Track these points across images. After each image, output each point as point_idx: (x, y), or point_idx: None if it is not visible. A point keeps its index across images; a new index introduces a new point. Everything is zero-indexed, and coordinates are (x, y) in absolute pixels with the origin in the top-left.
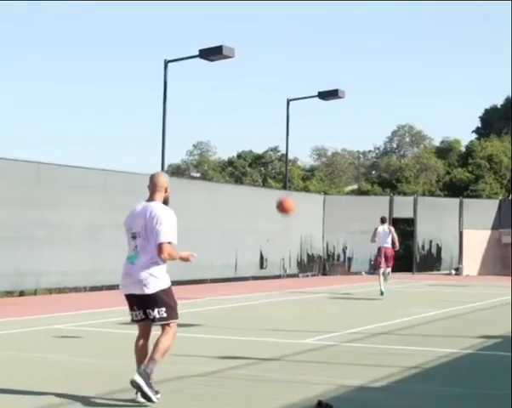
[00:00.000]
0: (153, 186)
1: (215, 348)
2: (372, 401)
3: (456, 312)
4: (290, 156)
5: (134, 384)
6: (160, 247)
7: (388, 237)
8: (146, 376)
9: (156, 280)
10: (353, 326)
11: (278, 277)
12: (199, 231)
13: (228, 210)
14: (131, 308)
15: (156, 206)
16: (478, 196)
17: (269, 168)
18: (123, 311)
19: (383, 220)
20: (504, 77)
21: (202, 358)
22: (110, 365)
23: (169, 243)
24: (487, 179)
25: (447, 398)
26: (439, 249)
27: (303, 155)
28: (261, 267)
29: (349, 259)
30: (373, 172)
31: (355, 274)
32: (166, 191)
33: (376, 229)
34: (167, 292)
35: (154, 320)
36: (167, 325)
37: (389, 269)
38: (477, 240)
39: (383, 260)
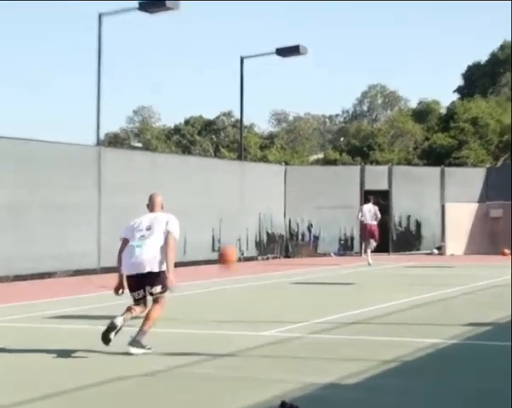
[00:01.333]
0: (153, 204)
1: (162, 343)
2: (344, 400)
3: (439, 297)
4: (245, 122)
5: (132, 354)
6: (170, 234)
7: (373, 215)
8: (140, 344)
9: (160, 262)
10: (321, 315)
11: None
12: (139, 210)
13: (174, 185)
14: (133, 290)
15: (165, 213)
16: (462, 165)
17: (221, 136)
18: (52, 303)
19: (368, 199)
20: (489, 30)
21: (147, 355)
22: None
23: (175, 239)
24: (472, 145)
25: (430, 395)
26: (418, 226)
27: (260, 121)
28: (213, 249)
29: (316, 238)
30: (342, 138)
31: (323, 255)
32: (162, 208)
33: (361, 207)
34: (164, 273)
35: (152, 294)
36: (162, 298)
37: (375, 243)
38: (462, 215)
39: (368, 236)
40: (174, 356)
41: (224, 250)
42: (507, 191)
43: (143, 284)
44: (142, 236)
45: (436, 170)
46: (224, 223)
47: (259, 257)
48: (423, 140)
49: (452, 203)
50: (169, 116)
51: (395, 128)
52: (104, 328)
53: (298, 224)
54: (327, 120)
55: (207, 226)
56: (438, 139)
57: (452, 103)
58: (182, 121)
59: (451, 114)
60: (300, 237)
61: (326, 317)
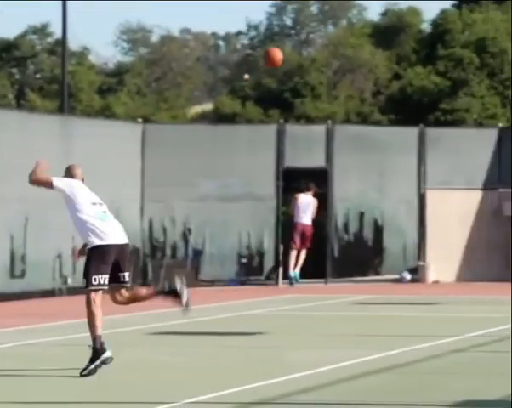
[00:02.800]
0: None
1: None
2: None
3: (407, 357)
4: (73, 46)
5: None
6: None
7: (308, 210)
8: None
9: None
10: (198, 390)
11: (51, 294)
12: None
13: None
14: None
15: None
16: (457, 123)
17: (29, 70)
18: None
19: (307, 188)
20: None
21: None
22: None
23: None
24: (476, 88)
25: None
26: (377, 230)
27: (100, 44)
28: (12, 275)
29: (198, 254)
30: (246, 76)
31: (211, 283)
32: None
33: (296, 198)
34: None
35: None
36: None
37: (298, 269)
38: (455, 211)
39: (298, 240)
40: None
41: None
42: None
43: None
44: (104, 212)
45: (412, 132)
46: (31, 229)
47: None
48: (390, 79)
49: (438, 190)
50: None
51: (341, 58)
52: None
53: (165, 229)
54: (220, 43)
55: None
56: (416, 78)
57: (443, 13)
58: None
59: (439, 32)
60: (169, 252)
61: (210, 394)
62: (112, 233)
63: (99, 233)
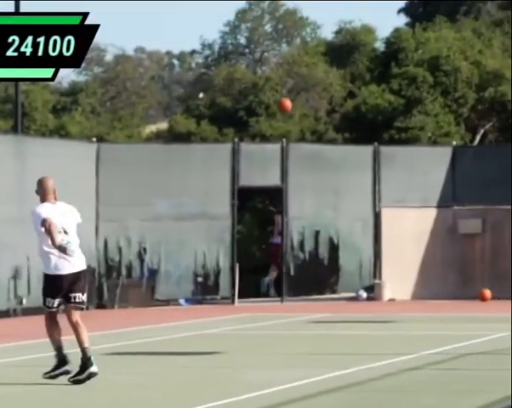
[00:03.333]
0: (49, 190)
1: None
2: None
3: (362, 376)
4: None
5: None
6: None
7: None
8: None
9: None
10: None
11: (6, 315)
12: None
13: None
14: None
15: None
16: (411, 141)
17: None
18: None
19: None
20: None
21: None
22: None
23: None
24: (430, 106)
25: None
26: (333, 249)
27: None
28: None
29: (153, 274)
30: (201, 94)
31: (167, 303)
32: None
33: (276, 219)
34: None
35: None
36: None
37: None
38: (409, 229)
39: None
40: None
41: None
42: (492, 189)
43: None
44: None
45: (366, 151)
46: None
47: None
48: (345, 98)
49: (393, 208)
50: None
51: (296, 76)
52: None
53: (120, 248)
54: (175, 62)
55: None
56: (370, 96)
57: (396, 31)
58: None
59: (393, 51)
60: (125, 271)
61: None
62: (68, 264)
63: (57, 264)
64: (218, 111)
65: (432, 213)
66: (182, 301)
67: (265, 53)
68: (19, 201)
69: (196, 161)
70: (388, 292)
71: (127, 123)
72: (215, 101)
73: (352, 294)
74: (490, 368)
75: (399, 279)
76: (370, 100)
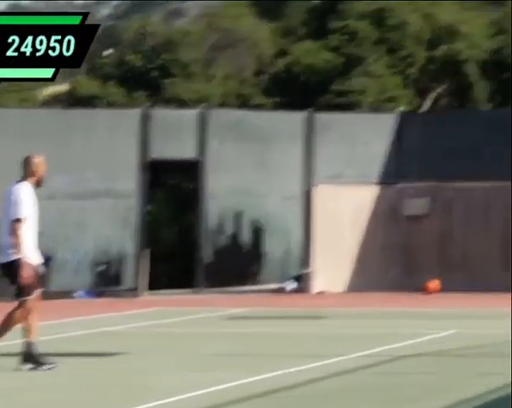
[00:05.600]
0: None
1: None
2: None
3: (283, 381)
4: None
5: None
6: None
7: None
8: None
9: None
10: None
11: None
12: None
13: None
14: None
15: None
16: (350, 106)
17: None
18: None
19: None
20: None
21: None
22: None
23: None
24: (372, 66)
25: None
26: (258, 232)
27: None
28: None
29: (47, 261)
30: (107, 51)
31: (64, 295)
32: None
33: None
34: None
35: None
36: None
37: None
38: (346, 209)
39: None
40: None
41: None
42: (443, 163)
43: None
44: None
45: (298, 118)
46: None
47: None
48: (275, 56)
49: (328, 185)
50: None
51: (219, 31)
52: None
53: None
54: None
55: None
56: (305, 54)
57: None
58: None
59: (332, 2)
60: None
61: None
62: None
63: None
64: (127, 71)
65: (373, 191)
66: (80, 293)
67: (183, 4)
68: None
69: (99, 129)
70: (319, 283)
71: (21, 85)
72: (124, 59)
73: (278, 285)
74: (429, 372)
75: (333, 268)
76: (304, 59)
